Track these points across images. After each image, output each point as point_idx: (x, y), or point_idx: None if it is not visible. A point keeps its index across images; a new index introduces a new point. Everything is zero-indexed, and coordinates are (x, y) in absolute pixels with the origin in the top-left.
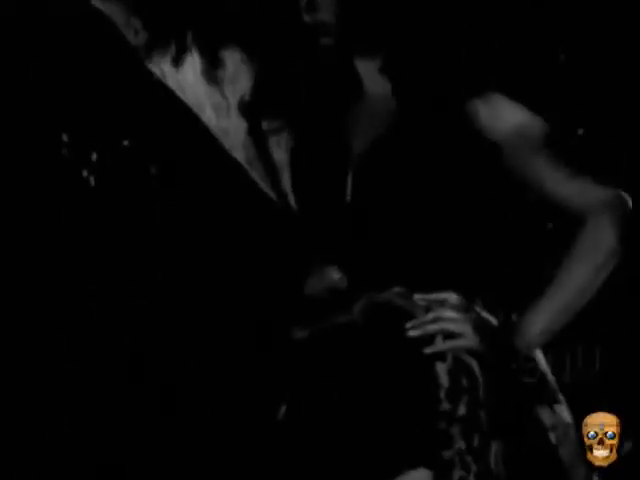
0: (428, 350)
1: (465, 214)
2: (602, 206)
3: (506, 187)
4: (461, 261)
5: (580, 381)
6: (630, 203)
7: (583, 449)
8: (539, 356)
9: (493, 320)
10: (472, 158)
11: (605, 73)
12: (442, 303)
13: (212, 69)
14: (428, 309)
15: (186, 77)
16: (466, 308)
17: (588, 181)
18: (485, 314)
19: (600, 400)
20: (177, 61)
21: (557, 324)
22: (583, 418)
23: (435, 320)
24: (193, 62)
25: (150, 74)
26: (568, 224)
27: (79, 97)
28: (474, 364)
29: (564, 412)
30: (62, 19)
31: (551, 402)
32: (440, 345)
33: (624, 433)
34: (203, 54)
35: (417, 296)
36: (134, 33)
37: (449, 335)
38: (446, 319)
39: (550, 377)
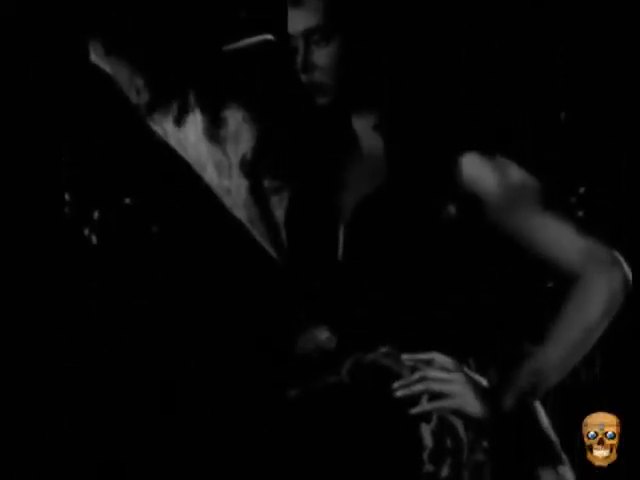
0: (413, 411)
1: (458, 273)
2: (594, 266)
3: (503, 244)
4: (454, 321)
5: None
6: (624, 263)
7: (583, 449)
8: (541, 415)
9: (483, 381)
10: (465, 215)
11: (607, 131)
12: (429, 363)
13: (214, 128)
14: (415, 369)
15: (188, 136)
16: (454, 368)
17: (580, 240)
18: (474, 375)
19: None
20: (179, 120)
21: (547, 383)
22: (583, 418)
23: (421, 380)
24: (195, 121)
25: (152, 133)
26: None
27: (81, 156)
28: (459, 425)
29: (567, 473)
30: (64, 79)
31: (555, 463)
32: (425, 406)
33: (624, 433)
34: (205, 113)
35: (405, 356)
36: (136, 92)
37: (435, 395)
38: (432, 379)
39: (554, 437)
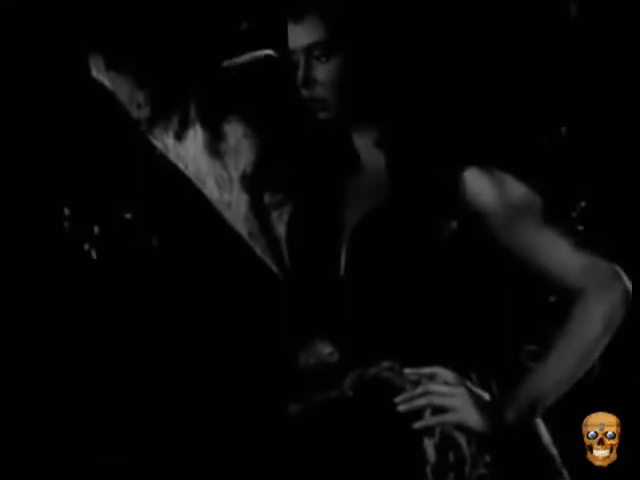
0: (416, 425)
1: (460, 288)
2: (594, 281)
3: (504, 259)
4: (456, 335)
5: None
6: (624, 277)
7: (583, 449)
8: (542, 430)
9: (486, 395)
10: (467, 230)
11: (608, 145)
12: (432, 377)
13: (214, 142)
14: (418, 383)
15: (188, 150)
16: (457, 382)
17: (581, 256)
18: (477, 389)
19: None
20: (180, 135)
21: (549, 399)
22: (583, 418)
23: (424, 394)
24: (195, 135)
25: (152, 148)
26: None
27: (81, 171)
28: (462, 439)
29: None
30: (65, 94)
31: (555, 478)
32: (428, 420)
33: (624, 433)
34: (206, 127)
35: (407, 370)
36: (137, 107)
37: (438, 410)
38: (435, 393)
39: (554, 452)
